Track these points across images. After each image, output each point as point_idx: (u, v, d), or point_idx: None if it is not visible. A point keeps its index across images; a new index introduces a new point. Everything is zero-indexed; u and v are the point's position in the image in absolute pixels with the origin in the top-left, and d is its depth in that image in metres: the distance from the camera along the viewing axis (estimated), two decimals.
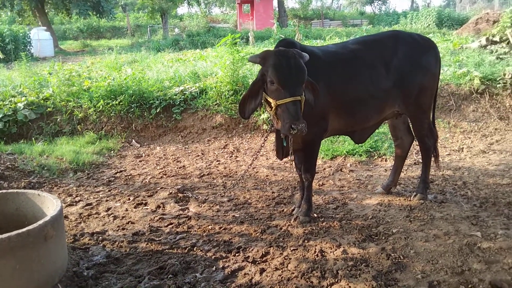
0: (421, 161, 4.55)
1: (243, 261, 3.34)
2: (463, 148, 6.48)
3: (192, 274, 3.17)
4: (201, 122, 7.72)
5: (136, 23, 40.05)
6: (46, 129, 7.71)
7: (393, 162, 4.78)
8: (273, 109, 3.30)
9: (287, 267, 3.21)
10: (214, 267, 3.27)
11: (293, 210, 4.27)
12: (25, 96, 8.21)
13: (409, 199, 4.44)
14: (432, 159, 4.47)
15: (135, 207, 4.58)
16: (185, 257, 3.42)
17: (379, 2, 53.55)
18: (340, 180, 5.29)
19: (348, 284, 2.92)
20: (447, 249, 3.29)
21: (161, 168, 6.04)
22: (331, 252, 3.40)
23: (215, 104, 7.81)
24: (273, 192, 4.90)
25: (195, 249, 3.56)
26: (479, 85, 7.94)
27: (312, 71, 3.39)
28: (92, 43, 31.74)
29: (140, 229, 3.99)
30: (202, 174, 5.70)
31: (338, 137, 6.73)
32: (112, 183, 5.46)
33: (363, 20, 38.72)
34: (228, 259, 3.39)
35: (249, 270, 3.20)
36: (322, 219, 4.06)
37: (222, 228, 3.96)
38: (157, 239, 3.77)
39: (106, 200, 4.81)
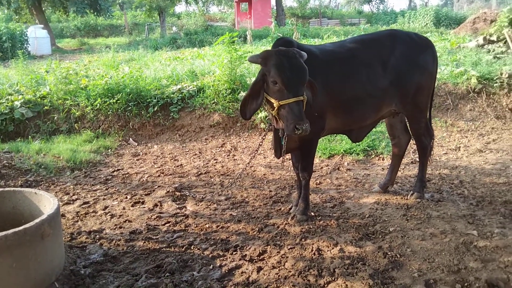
0: (418, 160, 4.57)
1: (240, 259, 3.35)
2: (460, 147, 6.50)
3: (189, 272, 3.17)
4: (198, 121, 7.72)
5: (133, 21, 39.97)
6: (43, 127, 7.69)
7: (390, 161, 4.80)
8: (275, 109, 3.29)
9: (284, 265, 3.22)
10: (211, 265, 3.27)
11: (290, 208, 4.28)
12: (22, 94, 8.19)
13: (406, 198, 4.46)
14: None
15: (132, 206, 4.58)
16: (182, 255, 3.42)
17: (377, 1, 53.61)
18: (337, 178, 5.30)
19: (345, 282, 2.93)
20: (444, 248, 3.31)
21: (159, 167, 6.04)
22: (328, 250, 3.41)
23: (213, 103, 7.81)
24: (270, 191, 4.91)
25: (192, 248, 3.57)
26: (476, 84, 7.96)
27: (309, 70, 3.38)
28: (89, 41, 31.63)
29: (137, 228, 3.98)
30: (199, 172, 5.70)
31: (336, 136, 6.74)
32: (110, 181, 5.46)
33: (361, 19, 38.77)
34: (226, 257, 3.39)
35: (246, 269, 3.20)
36: (319, 217, 4.06)
37: (220, 227, 3.97)
38: (154, 238, 3.77)
39: (103, 199, 4.80)
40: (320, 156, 6.18)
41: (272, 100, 3.28)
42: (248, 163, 4.71)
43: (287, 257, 3.33)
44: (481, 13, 17.37)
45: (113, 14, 40.87)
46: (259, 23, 30.01)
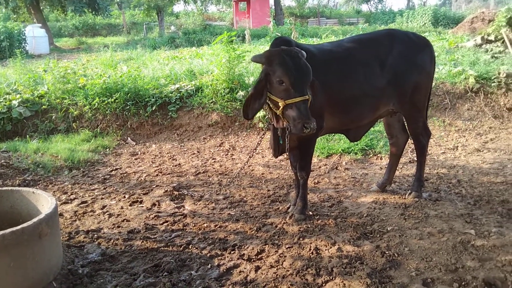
0: (416, 159, 4.58)
1: (238, 258, 3.35)
2: (457, 146, 6.51)
3: (187, 271, 3.17)
4: (196, 120, 7.72)
5: (132, 21, 39.89)
6: (41, 126, 7.68)
7: (388, 160, 4.80)
8: (280, 109, 3.28)
9: (282, 264, 3.22)
10: (209, 264, 3.27)
11: (288, 208, 4.28)
12: (20, 94, 8.18)
13: (404, 197, 4.46)
14: None
15: (130, 205, 4.58)
16: (180, 254, 3.42)
17: (375, 0, 53.58)
18: (335, 178, 5.30)
19: (342, 281, 2.93)
20: (441, 247, 3.31)
21: (157, 166, 6.04)
22: (326, 249, 3.41)
23: (211, 102, 7.81)
24: (268, 190, 4.91)
25: (190, 247, 3.57)
26: (474, 84, 7.98)
27: None
28: (87, 40, 31.58)
29: (136, 227, 3.98)
30: (197, 172, 5.70)
31: (334, 135, 6.75)
32: (108, 181, 5.45)
33: (359, 19, 38.77)
34: (224, 256, 3.39)
35: (244, 268, 3.21)
36: (317, 217, 4.07)
37: (218, 226, 3.97)
38: (152, 237, 3.77)
39: (101, 198, 4.80)
40: (318, 156, 6.18)
41: (277, 100, 3.27)
42: (246, 162, 4.71)
43: (285, 256, 3.33)
44: (479, 12, 17.38)
45: (111, 13, 40.79)
46: (257, 23, 30.01)
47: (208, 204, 4.54)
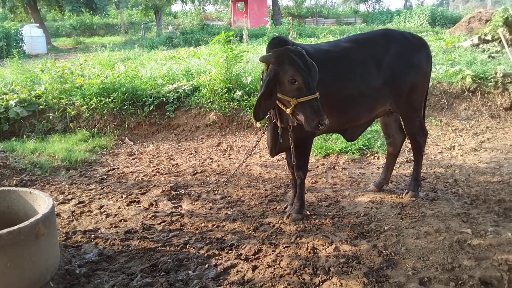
0: (413, 159, 4.59)
1: (235, 258, 3.35)
2: (454, 146, 6.53)
3: (185, 271, 3.17)
4: (194, 120, 7.71)
5: (129, 20, 39.84)
6: (38, 126, 7.67)
7: (385, 160, 4.81)
8: (291, 108, 3.29)
9: (279, 264, 3.23)
10: (207, 264, 3.27)
11: (285, 207, 4.28)
12: (17, 94, 8.16)
13: (400, 196, 4.47)
14: None
15: (127, 205, 4.58)
16: (178, 254, 3.42)
17: (373, 0, 53.64)
18: (332, 177, 5.31)
19: (339, 280, 2.94)
20: (438, 246, 3.33)
21: (154, 166, 6.03)
22: (323, 249, 3.42)
23: (209, 102, 7.80)
24: (266, 190, 4.91)
25: (187, 247, 3.57)
26: (471, 84, 8.00)
27: None
28: (85, 40, 31.51)
29: (133, 227, 3.98)
30: (195, 172, 5.70)
31: (331, 135, 6.76)
32: (105, 181, 5.45)
33: (357, 19, 38.79)
34: (221, 256, 3.40)
35: (242, 267, 3.21)
36: (315, 216, 4.08)
37: (215, 226, 3.97)
38: (149, 237, 3.78)
39: (99, 198, 4.80)
40: (315, 155, 6.19)
41: (288, 99, 3.28)
42: (244, 161, 4.71)
43: (282, 256, 3.34)
44: (476, 12, 17.43)
45: (109, 13, 40.72)
46: (255, 22, 29.98)
47: (205, 204, 4.54)
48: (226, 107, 7.68)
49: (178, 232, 3.87)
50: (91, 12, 34.72)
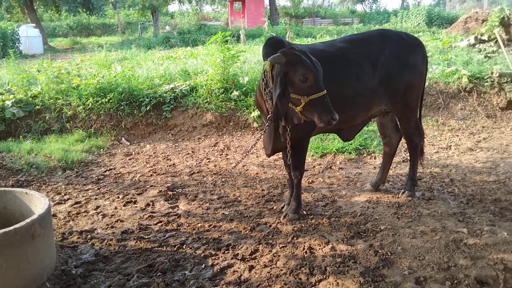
0: (409, 158, 4.60)
1: (232, 258, 3.35)
2: (451, 145, 6.55)
3: (181, 271, 3.17)
4: (191, 120, 7.71)
5: (126, 20, 39.77)
6: (34, 127, 7.65)
7: (382, 159, 4.82)
8: (301, 106, 3.31)
9: (276, 264, 3.23)
10: (203, 264, 3.27)
11: (282, 207, 4.29)
12: (13, 94, 8.13)
13: (397, 196, 4.49)
14: None
15: (124, 205, 4.57)
16: (174, 255, 3.42)
17: (370, 0, 53.77)
18: (329, 177, 5.32)
19: (336, 280, 2.95)
20: (434, 246, 3.34)
21: (151, 166, 6.03)
22: (319, 249, 3.43)
23: (206, 102, 7.80)
24: (262, 190, 4.92)
25: (184, 247, 3.57)
26: (467, 84, 8.03)
27: None
28: (82, 40, 31.44)
29: (129, 227, 3.98)
30: (192, 172, 5.70)
31: (328, 135, 6.77)
32: (101, 181, 5.44)
33: (354, 19, 38.87)
34: (217, 256, 3.40)
35: (238, 267, 3.21)
36: (311, 216, 4.08)
37: (212, 226, 3.97)
38: (146, 237, 3.77)
39: (95, 198, 4.79)
40: (312, 155, 6.20)
41: (298, 97, 3.30)
42: (240, 161, 4.70)
43: (279, 255, 3.34)
44: (473, 12, 17.47)
45: (106, 13, 40.66)
46: (252, 23, 29.99)
47: (202, 204, 4.54)
48: (223, 107, 7.68)
49: (174, 232, 3.87)
50: (88, 12, 34.66)
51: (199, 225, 4.00)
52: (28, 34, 23.07)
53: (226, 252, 3.46)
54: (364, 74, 3.94)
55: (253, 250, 3.45)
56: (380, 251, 3.31)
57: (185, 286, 2.99)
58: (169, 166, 6.03)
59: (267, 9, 34.52)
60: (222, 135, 7.43)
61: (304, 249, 3.42)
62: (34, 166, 5.70)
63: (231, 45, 9.01)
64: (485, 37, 11.36)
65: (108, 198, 4.80)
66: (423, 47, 4.24)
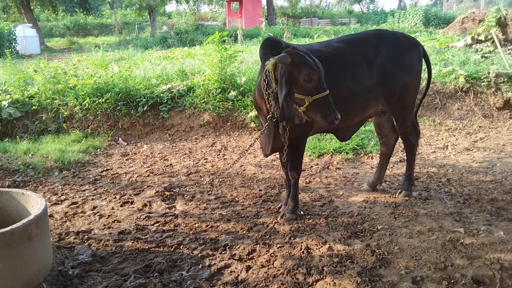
0: (406, 158, 4.61)
1: (229, 258, 3.35)
2: (447, 145, 6.56)
3: (178, 272, 3.17)
4: (188, 120, 7.70)
5: (123, 21, 39.68)
6: (31, 127, 7.62)
7: (379, 159, 4.83)
8: (305, 106, 3.33)
9: (273, 264, 3.23)
10: (201, 265, 3.27)
11: (279, 207, 4.29)
12: (10, 94, 8.10)
13: (394, 196, 4.49)
14: None
15: (121, 206, 4.56)
16: (172, 255, 3.42)
17: (367, 0, 53.84)
18: (326, 177, 5.32)
19: (333, 280, 2.95)
20: (431, 245, 3.34)
21: (148, 167, 6.02)
22: (317, 249, 3.43)
23: (203, 102, 7.79)
24: (260, 190, 4.92)
25: (181, 247, 3.56)
26: (464, 84, 8.05)
27: None
28: (79, 40, 31.35)
29: (126, 228, 3.97)
30: (189, 172, 5.69)
31: (325, 135, 6.77)
32: (98, 181, 5.43)
33: (351, 19, 38.88)
34: (215, 256, 3.40)
35: (235, 268, 3.21)
36: (309, 216, 4.08)
37: (209, 226, 3.97)
38: (143, 238, 3.76)
39: (92, 199, 4.77)
40: (309, 155, 6.20)
41: (302, 97, 3.32)
42: (237, 161, 4.69)
43: (276, 256, 3.35)
44: (470, 13, 17.52)
45: (103, 13, 40.59)
46: (250, 23, 30.00)
47: (199, 204, 4.54)
48: (220, 107, 7.67)
49: (172, 232, 3.87)
50: (85, 12, 34.58)
51: (196, 225, 3.99)
52: (25, 34, 22.98)
53: (223, 252, 3.46)
54: (360, 74, 3.95)
55: (250, 250, 3.45)
56: (377, 251, 3.32)
57: (182, 286, 2.99)
58: (166, 166, 6.03)
59: (264, 9, 34.55)
60: (220, 135, 7.43)
61: (301, 249, 3.42)
62: (30, 167, 5.69)
63: (229, 45, 9.01)
64: (482, 37, 11.39)
65: (105, 198, 4.79)
66: (419, 47, 4.25)
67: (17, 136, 7.31)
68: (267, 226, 3.92)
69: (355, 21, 34.88)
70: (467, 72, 8.24)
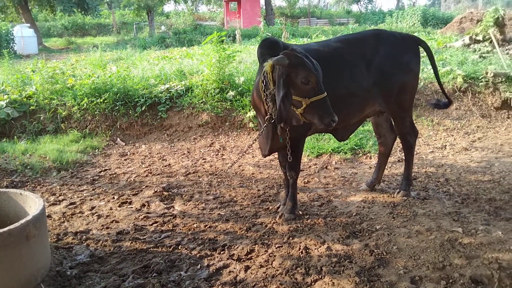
0: (404, 158, 4.61)
1: (228, 259, 3.35)
2: (446, 145, 6.57)
3: (177, 272, 3.16)
4: (187, 120, 7.70)
5: (122, 21, 39.62)
6: (29, 127, 7.61)
7: (377, 159, 4.83)
8: (302, 108, 3.32)
9: (271, 264, 3.23)
10: (199, 265, 3.27)
11: (278, 207, 4.29)
12: (8, 94, 8.08)
13: (392, 196, 4.50)
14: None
15: (119, 206, 4.56)
16: (170, 255, 3.41)
17: (366, 1, 53.96)
18: (325, 177, 5.33)
19: (331, 280, 2.95)
20: (429, 245, 3.34)
21: (146, 167, 6.01)
22: (315, 249, 3.43)
23: (201, 102, 7.79)
24: (258, 190, 4.91)
25: (180, 248, 3.56)
26: (462, 84, 8.06)
27: None
28: (77, 40, 31.27)
29: (125, 228, 3.96)
30: (187, 172, 5.69)
31: (324, 135, 6.78)
32: (97, 182, 5.42)
33: (349, 19, 38.93)
34: (213, 257, 3.39)
35: (234, 268, 3.21)
36: (307, 216, 4.08)
37: (207, 226, 3.96)
38: (141, 238, 3.76)
39: (90, 199, 4.77)
40: (308, 155, 6.20)
41: (300, 99, 3.31)
42: (236, 162, 4.70)
43: (275, 256, 3.34)
44: (468, 13, 17.57)
45: (101, 13, 40.55)
46: (248, 23, 29.98)
47: (198, 205, 4.54)
48: (218, 107, 7.67)
49: (170, 233, 3.86)
50: (83, 12, 34.55)
51: (195, 225, 3.99)
52: (23, 34, 22.94)
53: (221, 252, 3.46)
54: (358, 74, 3.95)
55: (249, 251, 3.44)
56: (375, 250, 3.32)
57: (181, 286, 2.98)
58: (165, 166, 6.02)
59: (262, 9, 34.55)
60: (218, 135, 7.43)
61: (299, 249, 3.42)
62: (28, 167, 5.68)
63: (227, 45, 8.99)
64: (480, 37, 11.41)
65: (103, 198, 4.78)
66: (417, 47, 4.25)
67: (15, 136, 7.29)
68: (266, 226, 3.92)
69: (353, 21, 34.94)
70: (465, 72, 8.25)
